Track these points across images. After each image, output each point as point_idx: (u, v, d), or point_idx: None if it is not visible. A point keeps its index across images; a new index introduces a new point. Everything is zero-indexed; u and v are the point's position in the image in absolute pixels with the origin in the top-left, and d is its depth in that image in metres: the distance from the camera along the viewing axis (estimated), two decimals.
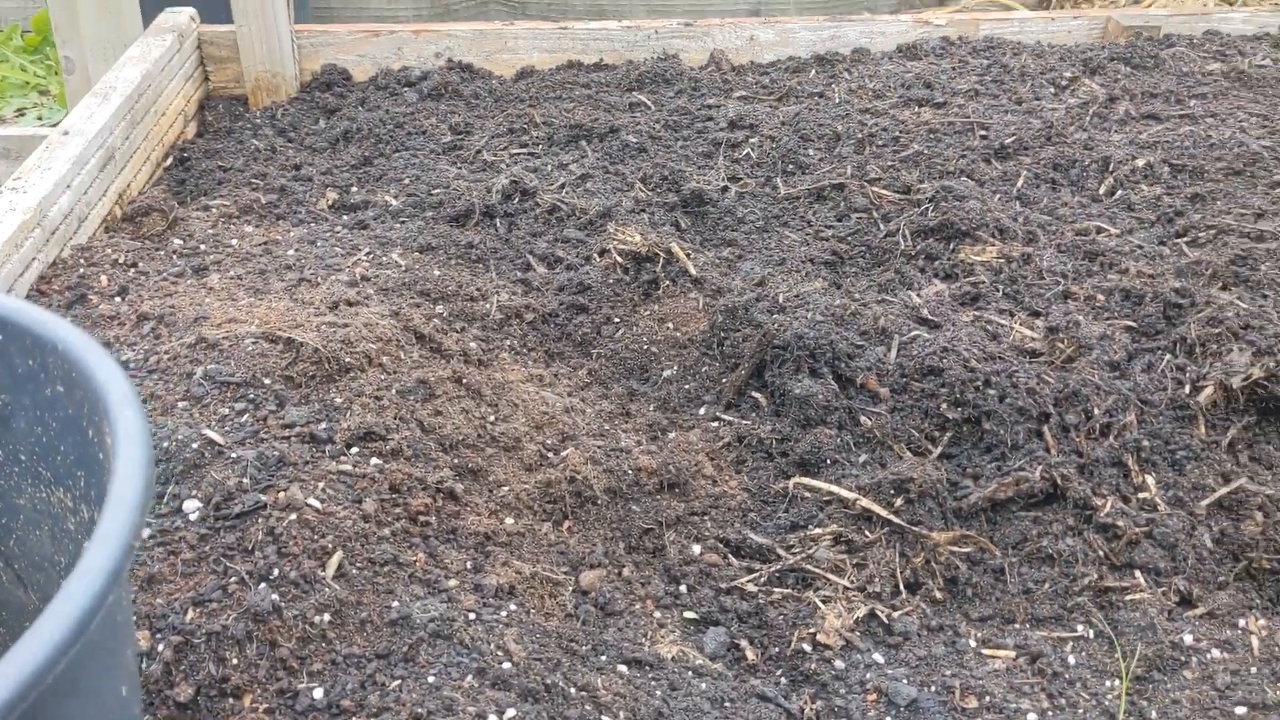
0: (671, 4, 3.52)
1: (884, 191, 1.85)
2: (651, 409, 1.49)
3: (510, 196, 1.86)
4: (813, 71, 2.32)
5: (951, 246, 1.71)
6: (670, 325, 1.59)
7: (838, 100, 2.16)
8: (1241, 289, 1.50)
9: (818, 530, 1.30)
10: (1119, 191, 1.80)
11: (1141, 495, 1.30)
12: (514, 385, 1.43)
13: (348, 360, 1.32)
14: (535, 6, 3.48)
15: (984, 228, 1.70)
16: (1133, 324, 1.48)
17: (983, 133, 1.97)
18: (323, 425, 1.24)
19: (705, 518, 1.34)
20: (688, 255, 1.67)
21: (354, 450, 1.23)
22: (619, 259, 1.67)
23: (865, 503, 1.30)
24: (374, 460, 1.22)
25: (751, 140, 2.04)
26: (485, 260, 1.73)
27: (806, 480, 1.36)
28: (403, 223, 1.81)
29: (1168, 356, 1.42)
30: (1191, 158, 1.84)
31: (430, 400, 1.33)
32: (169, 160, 2.06)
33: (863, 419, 1.40)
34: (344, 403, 1.28)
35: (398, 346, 1.37)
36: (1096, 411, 1.35)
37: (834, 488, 1.33)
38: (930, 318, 1.53)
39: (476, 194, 1.87)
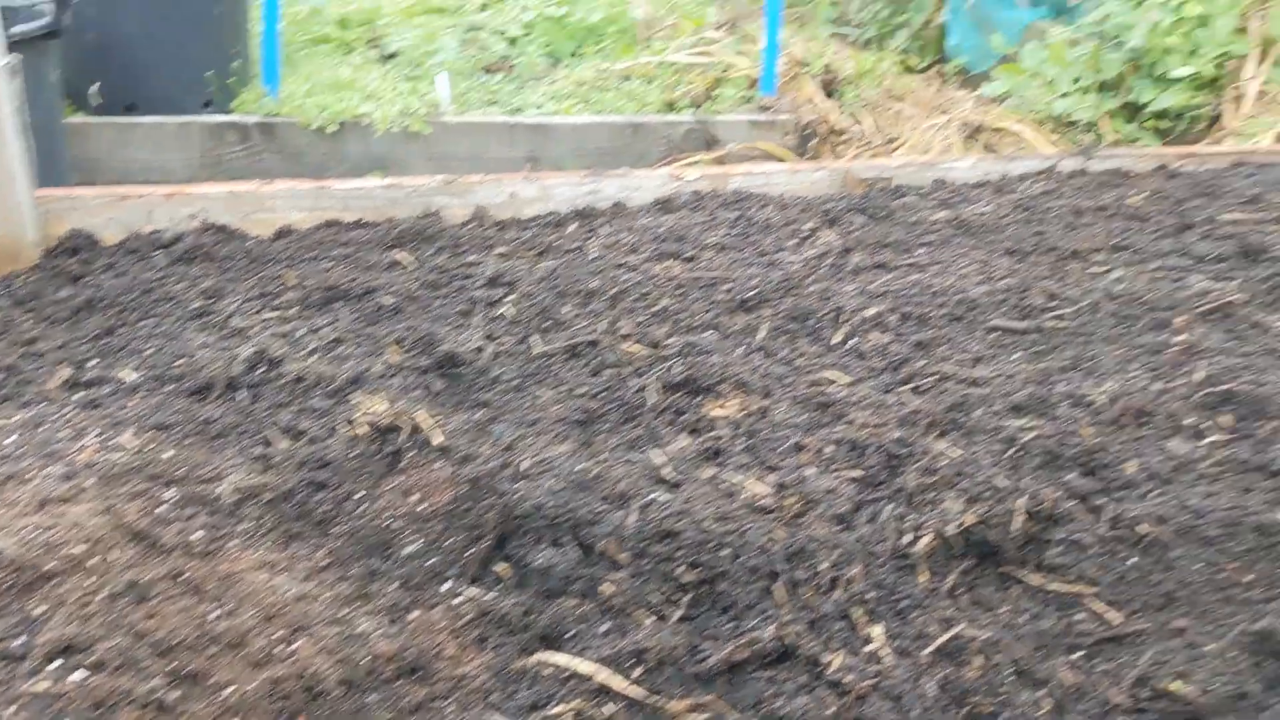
0: (452, 153, 3.57)
1: (635, 347, 1.90)
2: (393, 588, 1.46)
3: (255, 366, 1.82)
4: (572, 226, 2.39)
5: (697, 401, 1.76)
6: (414, 498, 1.57)
7: (594, 255, 2.22)
8: (956, 435, 1.59)
9: (558, 708, 1.29)
10: (851, 340, 1.89)
11: (869, 648, 1.34)
12: (243, 575, 1.37)
13: (50, 566, 1.24)
14: (311, 155, 3.47)
15: (726, 382, 1.76)
16: (858, 475, 1.55)
17: (728, 286, 2.05)
18: (18, 641, 1.16)
19: (446, 702, 1.30)
20: (434, 424, 1.66)
21: (53, 666, 1.15)
22: (363, 430, 1.65)
23: (603, 677, 1.30)
24: (76, 675, 1.15)
25: (509, 298, 2.06)
26: (224, 436, 1.68)
27: (548, 655, 1.34)
28: (140, 399, 1.74)
29: (890, 506, 1.49)
30: (917, 305, 1.96)
31: (143, 602, 1.26)
32: None
33: (603, 587, 1.41)
34: (44, 613, 1.20)
35: (109, 546, 1.30)
36: (823, 566, 1.39)
37: (573, 662, 1.32)
38: (671, 477, 1.56)
39: (220, 365, 1.82)
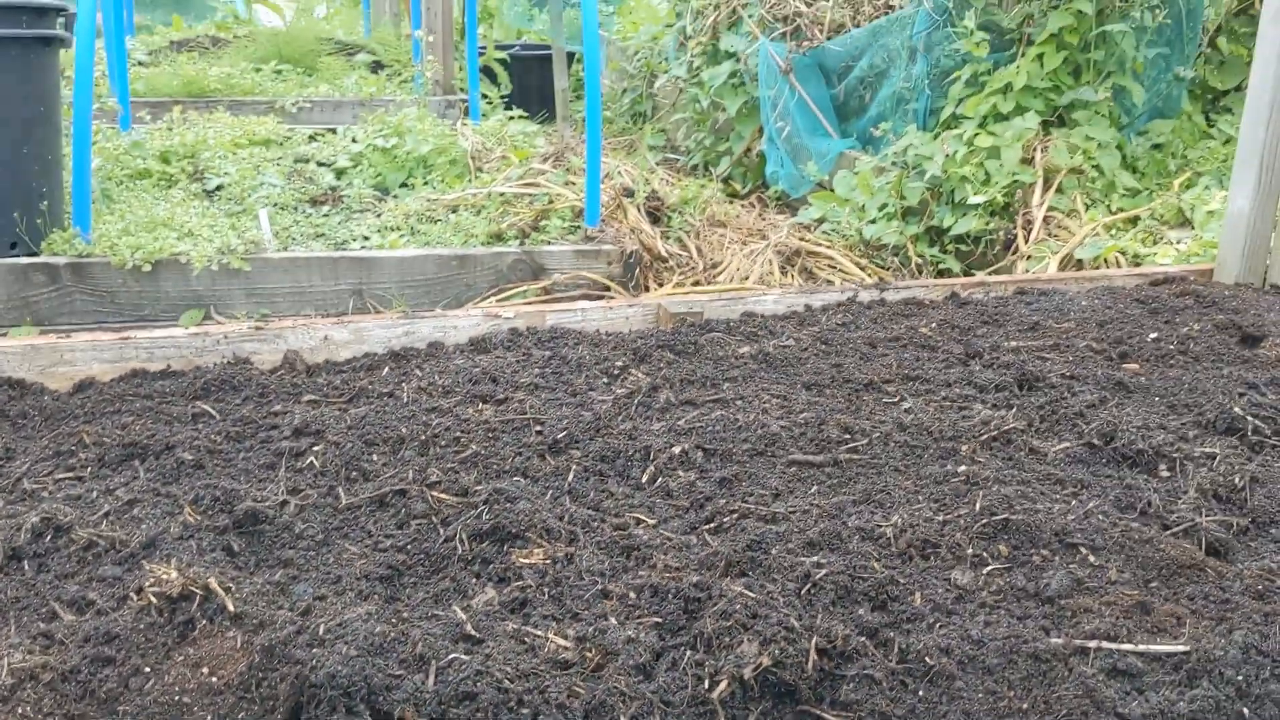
0: (275, 289, 3.53)
1: (443, 495, 1.89)
2: None
3: (41, 535, 1.74)
4: (386, 369, 2.39)
5: (504, 549, 1.76)
6: (205, 670, 1.51)
7: (406, 400, 2.22)
8: (753, 575, 1.63)
9: None
10: (659, 479, 1.93)
11: None
12: None
13: None
14: (125, 295, 3.39)
15: (533, 529, 1.77)
16: (659, 621, 1.57)
17: (538, 428, 2.08)
18: None
19: None
20: (228, 589, 1.62)
21: None
22: (153, 600, 1.59)
23: None
24: None
25: (316, 448, 2.04)
26: (4, 613, 1.59)
27: None
28: None
29: (689, 653, 1.51)
30: (722, 441, 2.02)
31: None
32: None
33: None
34: None
35: None
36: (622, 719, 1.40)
37: None
38: (474, 633, 1.55)
39: (3, 534, 1.74)
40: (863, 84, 4.78)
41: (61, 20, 3.45)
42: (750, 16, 5.14)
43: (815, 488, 1.90)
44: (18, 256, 3.38)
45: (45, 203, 3.44)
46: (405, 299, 3.65)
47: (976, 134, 4.01)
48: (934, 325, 2.54)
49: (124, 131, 4.59)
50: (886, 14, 4.73)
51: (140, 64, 6.00)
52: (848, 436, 2.03)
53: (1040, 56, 4.02)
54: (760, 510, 1.81)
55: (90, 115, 3.32)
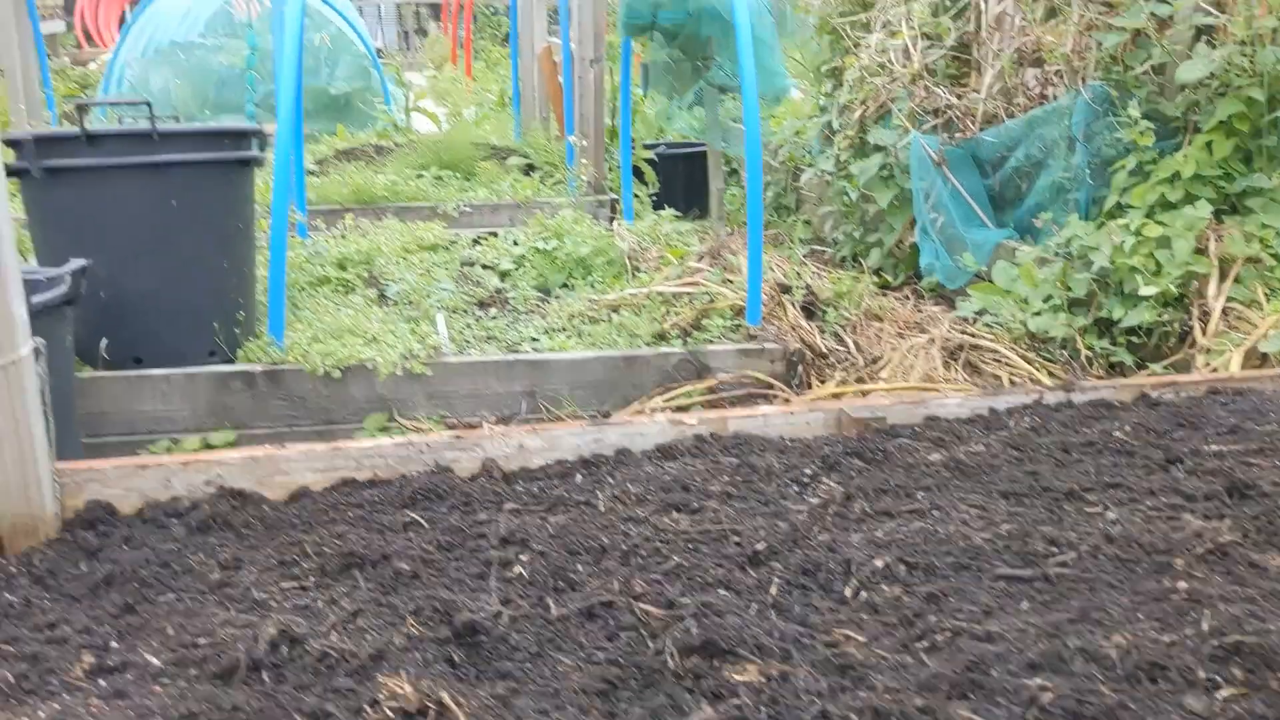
0: (453, 391, 3.67)
1: (650, 607, 1.93)
2: None
3: (278, 645, 1.83)
4: (579, 476, 2.45)
5: (715, 665, 1.78)
6: None
7: (603, 508, 2.28)
8: (977, 699, 1.62)
9: None
10: (863, 594, 1.93)
11: None
12: None
13: None
14: (315, 399, 3.56)
15: (743, 644, 1.79)
16: None
17: (736, 539, 2.10)
18: None
19: None
20: (459, 703, 1.67)
21: None
22: (389, 713, 1.66)
23: None
24: None
25: (523, 558, 2.10)
26: None
27: None
28: (164, 685, 1.75)
29: None
30: (924, 554, 2.01)
31: None
32: None
33: None
34: None
35: None
36: None
37: None
38: None
39: (243, 644, 1.83)
40: (1018, 174, 4.76)
41: (256, 141, 3.70)
42: (899, 110, 5.19)
43: (1027, 604, 1.87)
44: (216, 364, 3.59)
45: (242, 312, 3.67)
46: (575, 400, 3.74)
47: (1144, 224, 3.94)
48: (1128, 429, 2.50)
49: (303, 239, 4.86)
50: (1041, 104, 4.71)
51: (310, 173, 6.35)
52: (1055, 549, 2.00)
53: (1209, 144, 3.95)
54: (974, 628, 1.79)
55: (286, 231, 3.54)
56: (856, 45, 5.56)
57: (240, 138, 3.59)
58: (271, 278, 3.54)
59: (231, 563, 2.13)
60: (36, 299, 2.76)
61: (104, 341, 3.42)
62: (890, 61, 5.21)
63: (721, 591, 1.95)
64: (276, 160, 3.50)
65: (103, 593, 2.05)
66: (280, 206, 3.49)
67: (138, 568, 2.09)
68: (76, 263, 2.98)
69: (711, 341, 3.90)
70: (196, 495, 2.36)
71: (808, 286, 4.35)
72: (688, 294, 4.26)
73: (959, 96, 5.00)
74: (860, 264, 5.51)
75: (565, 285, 4.72)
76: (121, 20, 15.43)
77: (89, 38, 14.93)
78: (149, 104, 3.42)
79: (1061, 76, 4.59)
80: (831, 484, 2.29)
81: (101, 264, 3.28)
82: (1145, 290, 3.78)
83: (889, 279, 5.28)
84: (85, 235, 3.36)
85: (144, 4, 10.53)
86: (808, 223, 6.30)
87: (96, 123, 3.63)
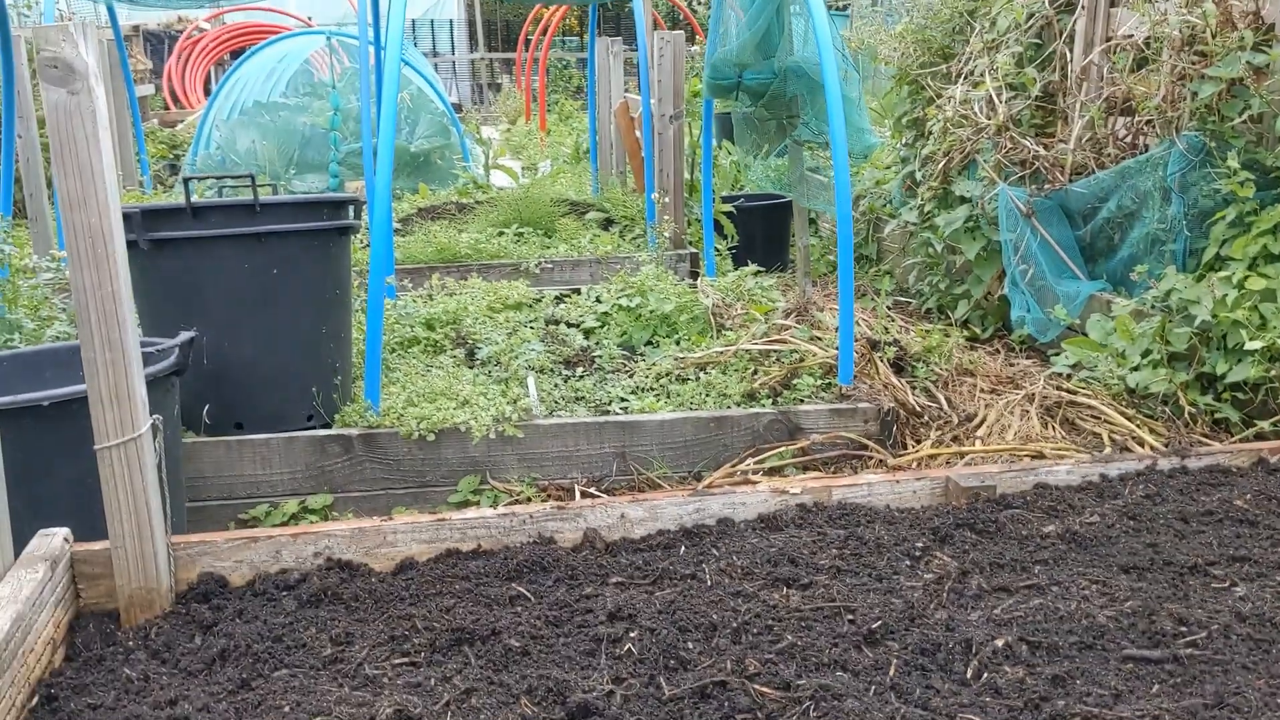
0: (544, 453, 3.68)
1: (765, 689, 1.90)
2: None
3: None
4: (683, 548, 2.43)
5: None
6: None
7: (709, 582, 2.25)
8: None
9: None
10: (985, 675, 1.88)
11: None
12: None
13: None
14: (410, 462, 3.59)
15: None
16: None
17: (850, 617, 2.07)
18: None
19: None
20: None
21: None
22: None
23: None
24: None
25: (632, 634, 2.09)
26: None
27: None
28: None
29: None
30: (1045, 634, 1.96)
31: None
32: (34, 700, 1.99)
33: None
34: None
35: None
36: None
37: None
38: None
39: None
40: (1110, 225, 4.67)
41: (353, 209, 3.77)
42: (984, 161, 5.13)
43: (1157, 687, 1.81)
44: (314, 428, 3.64)
45: (338, 377, 3.72)
46: (665, 460, 3.73)
47: (1247, 276, 3.84)
48: (1248, 497, 2.42)
49: (392, 300, 4.93)
50: (1133, 155, 4.64)
51: (395, 231, 6.46)
52: (1183, 629, 1.94)
53: None
54: (1103, 713, 1.74)
55: (382, 298, 3.59)
56: (938, 96, 5.53)
57: (338, 206, 3.66)
58: (369, 346, 3.59)
59: (343, 637, 2.14)
60: (147, 370, 2.82)
61: (206, 407, 3.49)
62: (974, 112, 5.17)
63: (838, 672, 1.91)
64: (373, 228, 3.57)
65: (218, 668, 2.07)
66: (377, 281, 3.55)
67: (251, 642, 2.11)
68: (185, 334, 3.05)
69: (803, 401, 3.86)
70: (305, 567, 2.39)
71: (897, 342, 4.30)
72: (776, 352, 4.24)
73: (1046, 147, 4.94)
74: (947, 316, 5.45)
75: (650, 343, 4.72)
76: (206, 82, 15.95)
77: (175, 99, 15.43)
78: (252, 176, 3.51)
79: (1153, 126, 4.51)
80: (945, 558, 2.25)
81: (205, 332, 3.36)
82: (1250, 345, 3.68)
83: (977, 331, 5.21)
84: (189, 304, 3.44)
85: (231, 69, 10.87)
86: (890, 274, 6.25)
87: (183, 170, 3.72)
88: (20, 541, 2.22)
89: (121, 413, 2.18)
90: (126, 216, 3.37)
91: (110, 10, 6.64)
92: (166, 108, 15.01)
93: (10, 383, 3.15)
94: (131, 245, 3.32)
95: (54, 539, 2.25)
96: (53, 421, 2.76)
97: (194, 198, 3.41)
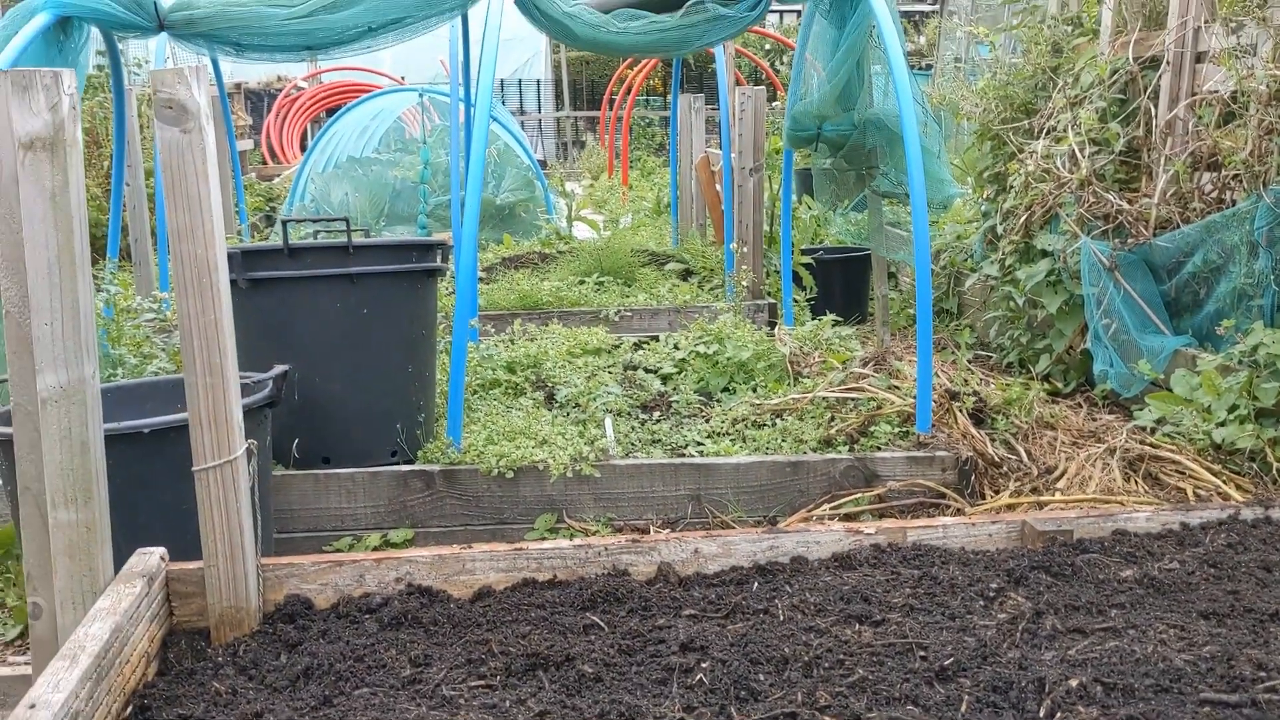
0: (620, 493, 3.72)
1: None
2: None
3: None
4: (756, 584, 2.45)
5: None
6: None
7: (782, 618, 2.27)
8: None
9: None
10: (1058, 714, 1.87)
11: None
12: None
13: None
14: (488, 499, 3.66)
15: None
16: None
17: (922, 653, 2.07)
18: None
19: None
20: None
21: None
22: None
23: None
24: None
25: (704, 665, 2.11)
26: None
27: None
28: None
29: None
30: (1120, 675, 1.94)
31: None
32: (129, 709, 2.07)
33: None
34: None
35: None
36: None
37: None
38: None
39: None
40: (1195, 279, 4.62)
41: (440, 253, 3.90)
42: (1067, 215, 5.11)
43: None
44: (397, 464, 3.74)
45: (422, 414, 3.82)
46: (740, 504, 3.75)
47: None
48: None
49: (474, 343, 5.05)
50: (1218, 209, 4.59)
51: (479, 279, 6.61)
52: (1263, 674, 1.91)
53: None
54: None
55: (466, 339, 3.70)
56: (1020, 151, 5.53)
57: (426, 249, 3.78)
58: (452, 383, 3.69)
59: (421, 659, 2.20)
60: (244, 401, 2.94)
61: (296, 441, 3.61)
62: (1056, 166, 5.16)
63: (909, 706, 1.91)
64: (459, 268, 3.68)
65: (302, 685, 2.14)
66: (461, 323, 3.66)
67: (334, 661, 2.18)
68: (279, 368, 3.17)
69: (879, 448, 3.86)
70: (387, 591, 2.45)
71: (976, 393, 4.28)
72: (853, 399, 4.25)
73: (1130, 202, 4.91)
74: (1027, 370, 5.41)
75: (727, 389, 4.76)
76: (302, 139, 16.52)
77: (273, 154, 16.00)
78: (346, 220, 3.65)
79: (1240, 181, 4.46)
80: (1019, 599, 2.24)
81: (296, 368, 3.48)
82: None
83: (1059, 386, 5.15)
84: (283, 340, 3.57)
85: (327, 125, 11.27)
86: (970, 328, 6.22)
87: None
88: (117, 562, 2.33)
89: (219, 436, 2.28)
90: (228, 256, 3.53)
91: (215, 66, 6.96)
92: (264, 162, 15.57)
93: (113, 412, 3.30)
94: (231, 284, 3.47)
95: (151, 557, 2.35)
96: (151, 448, 2.89)
97: (290, 240, 3.56)
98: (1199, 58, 4.83)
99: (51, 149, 2.05)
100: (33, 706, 1.77)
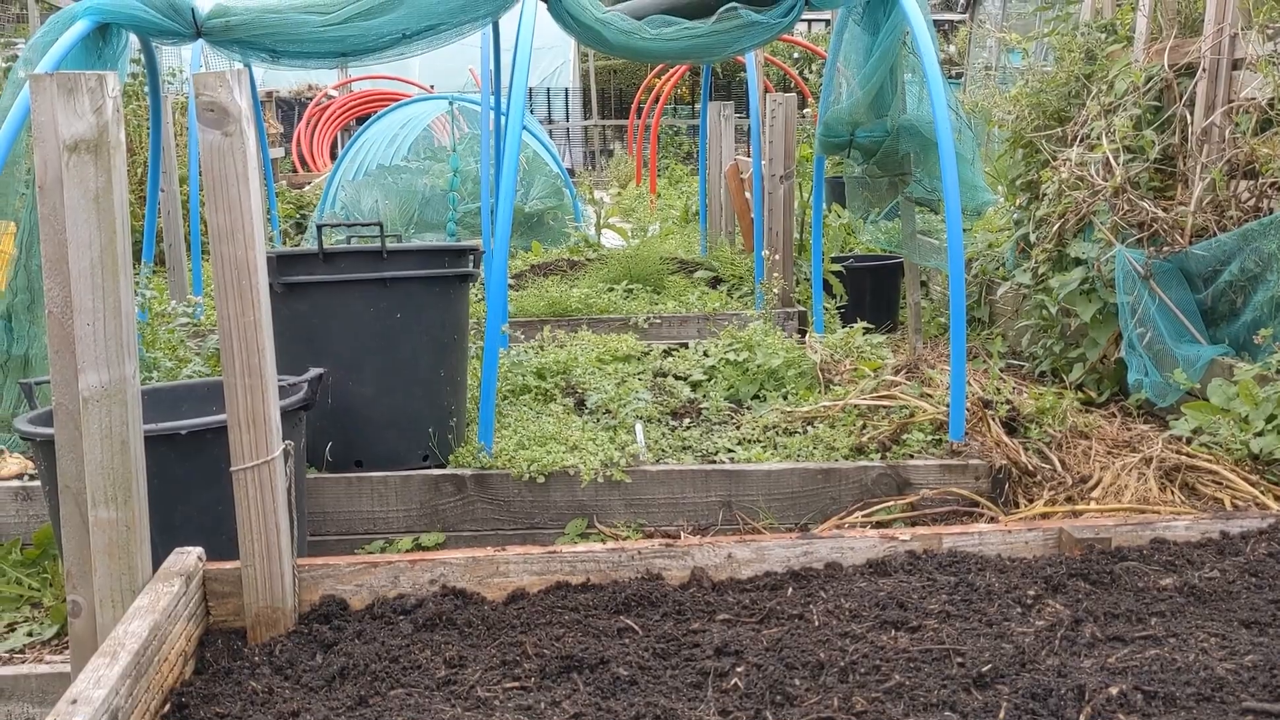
0: (651, 499, 3.72)
1: None
2: None
3: None
4: (790, 589, 2.44)
5: None
6: None
7: (817, 623, 2.26)
8: None
9: None
10: None
11: None
12: None
13: None
14: (519, 503, 3.67)
15: None
16: None
17: (959, 660, 2.05)
18: None
19: None
20: None
21: None
22: None
23: None
24: None
25: (738, 669, 2.10)
26: None
27: None
28: None
29: None
30: (1161, 684, 1.92)
31: None
32: (167, 707, 2.09)
33: None
34: None
35: None
36: None
37: None
38: None
39: None
40: (1232, 288, 4.57)
41: (472, 259, 3.91)
42: (1101, 223, 5.08)
43: None
44: (429, 468, 3.75)
45: (454, 419, 3.83)
46: (771, 511, 3.74)
47: None
48: None
49: (505, 349, 5.06)
50: (1256, 217, 4.54)
51: (509, 286, 6.63)
52: None
53: None
54: None
55: (498, 344, 3.70)
56: (1053, 159, 5.49)
57: (459, 255, 3.80)
58: (484, 388, 3.70)
59: (456, 660, 2.20)
60: (281, 403, 2.96)
61: (329, 445, 3.63)
62: (1090, 174, 5.12)
63: (946, 712, 1.90)
64: (489, 276, 3.69)
65: (337, 685, 2.14)
66: (493, 328, 3.67)
67: (369, 662, 2.18)
68: (314, 371, 3.19)
69: (912, 456, 3.84)
70: (422, 593, 2.46)
71: (1010, 402, 4.25)
72: (884, 407, 4.23)
73: (1165, 210, 4.87)
74: (1060, 379, 5.37)
75: (757, 396, 4.75)
76: (333, 147, 16.63)
77: (304, 163, 16.11)
78: (380, 225, 3.67)
79: (1277, 189, 4.42)
80: (1057, 606, 2.22)
81: (330, 371, 3.50)
82: None
83: (1092, 395, 5.11)
84: (317, 344, 3.59)
85: (358, 133, 11.35)
86: (1003, 337, 6.18)
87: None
88: (153, 563, 2.35)
89: (257, 436, 2.30)
90: None
91: (249, 74, 7.02)
92: (295, 170, 15.68)
93: (149, 414, 3.32)
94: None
95: (189, 556, 2.37)
96: (188, 450, 2.91)
97: (324, 245, 3.58)
98: (1235, 64, 4.79)
99: (95, 151, 2.07)
100: (74, 702, 1.79)
